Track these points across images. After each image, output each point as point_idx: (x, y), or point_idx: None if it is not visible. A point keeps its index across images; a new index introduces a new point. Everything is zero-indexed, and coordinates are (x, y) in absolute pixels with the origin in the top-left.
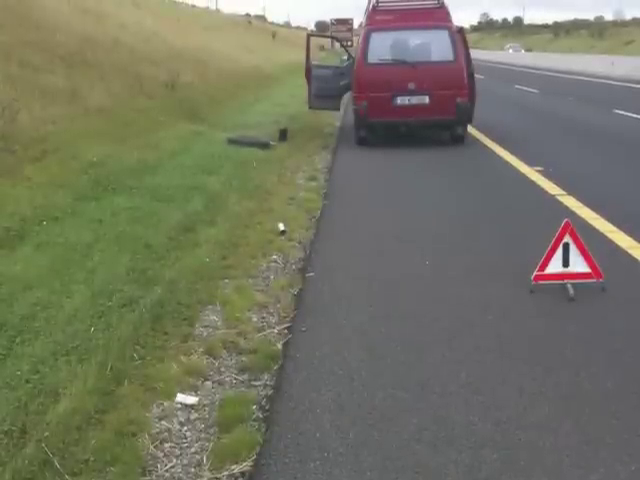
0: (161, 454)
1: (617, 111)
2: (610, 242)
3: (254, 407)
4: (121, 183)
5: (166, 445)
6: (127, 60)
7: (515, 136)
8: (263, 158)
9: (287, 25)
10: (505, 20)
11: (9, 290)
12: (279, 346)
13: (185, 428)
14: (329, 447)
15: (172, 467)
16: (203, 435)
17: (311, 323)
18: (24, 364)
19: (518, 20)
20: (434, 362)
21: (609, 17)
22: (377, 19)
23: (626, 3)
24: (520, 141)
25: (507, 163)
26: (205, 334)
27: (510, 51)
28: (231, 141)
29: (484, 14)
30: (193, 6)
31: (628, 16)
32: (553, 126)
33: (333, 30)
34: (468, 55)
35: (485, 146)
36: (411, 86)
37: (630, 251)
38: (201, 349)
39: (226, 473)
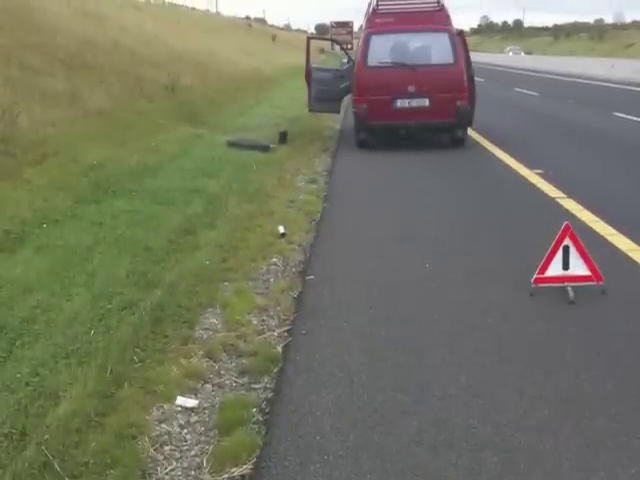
0: (161, 457)
1: (617, 114)
2: (610, 245)
3: (254, 410)
4: (121, 186)
5: (166, 448)
6: (127, 63)
7: (515, 139)
8: (263, 161)
9: (287, 28)
10: (505, 23)
11: (9, 293)
12: (279, 349)
13: (185, 431)
14: (329, 450)
15: (172, 470)
16: (203, 438)
17: (311, 326)
18: (24, 367)
19: (518, 23)
20: (434, 365)
21: (609, 20)
22: (377, 22)
23: (626, 6)
24: (520, 144)
25: (507, 166)
26: (205, 337)
27: (510, 54)
28: (231, 144)
29: (484, 17)
30: (193, 9)
31: (628, 19)
32: (553, 129)
33: (333, 33)
34: (468, 58)
35: (485, 149)
36: (411, 89)
37: (630, 254)
38: (201, 352)
39: (226, 476)
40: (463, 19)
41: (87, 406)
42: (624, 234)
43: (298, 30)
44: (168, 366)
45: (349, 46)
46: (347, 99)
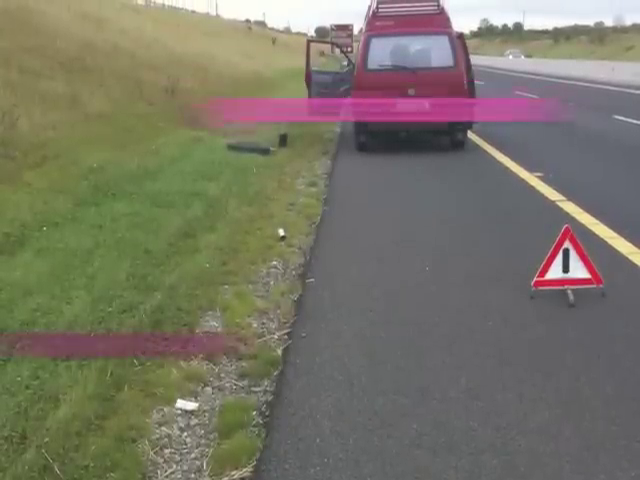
0: (161, 460)
1: (617, 117)
2: (610, 248)
3: (254, 413)
4: (121, 189)
5: (166, 451)
6: (127, 66)
7: (515, 142)
8: (263, 164)
9: (287, 31)
10: (505, 26)
11: (9, 296)
12: (279, 352)
13: (185, 434)
14: (329, 453)
15: (172, 473)
16: (203, 441)
17: (311, 329)
18: (24, 370)
19: (518, 26)
20: (434, 368)
21: (609, 23)
22: (377, 25)
23: (626, 9)
24: (520, 147)
25: (507, 168)
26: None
27: (510, 57)
28: (231, 147)
29: (484, 20)
30: (193, 12)
31: (628, 22)
32: (553, 132)
33: (333, 36)
34: (468, 61)
35: (485, 152)
36: (411, 92)
37: (630, 257)
38: (201, 355)
39: (226, 479)
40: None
41: (87, 409)
42: (624, 237)
43: (298, 33)
44: (168, 369)
45: (349, 49)
46: None
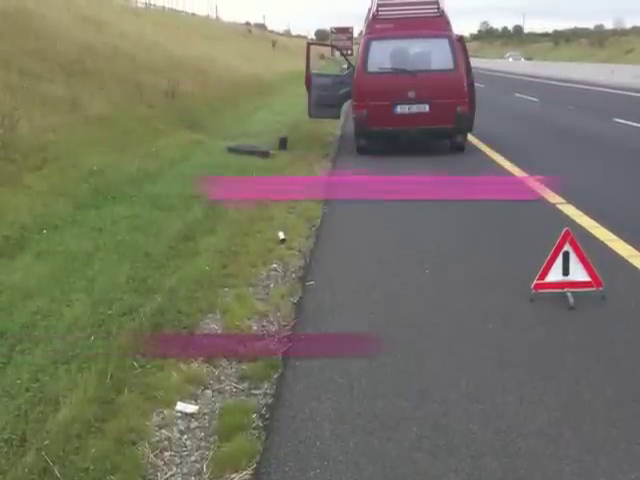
0: (161, 463)
1: (617, 120)
2: (610, 251)
3: (254, 415)
4: (121, 192)
5: (166, 454)
6: (127, 69)
7: (515, 145)
8: (263, 167)
9: (287, 33)
10: (505, 29)
11: (9, 299)
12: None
13: (185, 437)
14: (329, 456)
15: (172, 476)
16: (203, 444)
17: (311, 331)
18: (24, 372)
19: (518, 29)
20: (434, 370)
21: (609, 26)
22: (377, 28)
23: (626, 12)
24: (520, 150)
25: (507, 172)
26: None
27: (510, 60)
28: (231, 150)
29: (484, 22)
30: (193, 14)
31: (628, 25)
32: (553, 135)
33: (333, 39)
34: (468, 64)
35: (485, 154)
36: (411, 95)
37: (630, 260)
38: (201, 357)
39: None
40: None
41: (87, 412)
42: (624, 240)
43: (298, 36)
44: (168, 372)
45: (349, 52)
46: (347, 105)
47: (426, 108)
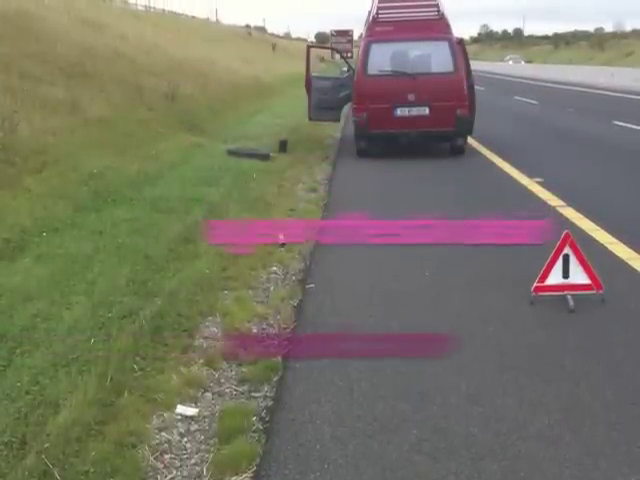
0: (161, 465)
1: (617, 122)
2: (610, 253)
3: (254, 418)
4: (121, 194)
5: (166, 456)
6: (127, 71)
7: (515, 147)
8: (263, 169)
9: (287, 36)
10: (505, 31)
11: (9, 301)
12: (279, 357)
13: (185, 439)
14: (329, 458)
15: (172, 478)
16: (203, 446)
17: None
18: (24, 375)
19: (518, 31)
20: (434, 373)
21: (609, 28)
22: (377, 30)
23: (626, 14)
24: (520, 152)
25: (507, 174)
26: (205, 345)
27: (510, 62)
28: (231, 152)
29: (484, 25)
30: (193, 17)
31: (628, 27)
32: (553, 137)
33: (333, 41)
34: (468, 66)
35: (485, 157)
36: (411, 97)
37: (630, 262)
38: (201, 360)
39: None
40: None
41: (87, 414)
42: (624, 242)
43: (298, 38)
44: (168, 374)
45: (349, 54)
46: (347, 108)
47: (426, 111)
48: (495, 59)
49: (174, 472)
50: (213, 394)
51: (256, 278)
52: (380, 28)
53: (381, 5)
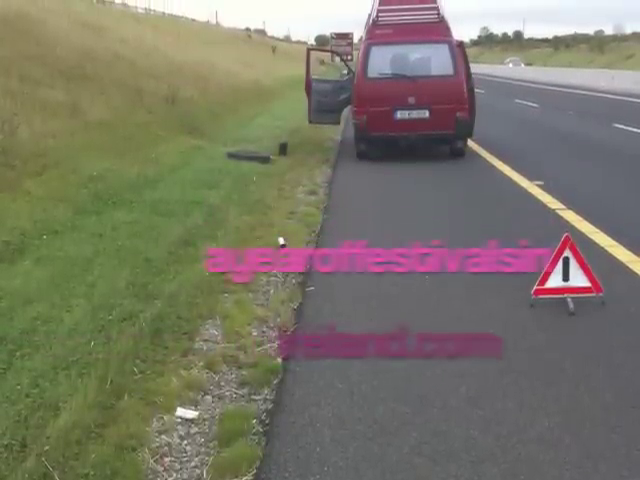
0: (161, 468)
1: (617, 125)
2: (610, 256)
3: (254, 421)
4: (121, 197)
5: (166, 459)
6: (127, 74)
7: (515, 150)
8: (263, 172)
9: (287, 39)
10: (505, 34)
11: (9, 304)
12: (279, 360)
13: (185, 442)
14: (329, 461)
15: None
16: (203, 449)
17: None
18: (24, 378)
19: (518, 34)
20: (434, 376)
21: (609, 31)
22: (377, 33)
23: (626, 17)
24: (520, 155)
25: (507, 177)
26: (205, 348)
27: (510, 65)
28: (231, 155)
29: (484, 28)
30: (193, 20)
31: (628, 30)
32: (553, 140)
33: (333, 44)
34: (468, 69)
35: (485, 160)
36: (411, 100)
37: (630, 265)
38: (201, 363)
39: None
40: (463, 30)
41: (87, 417)
42: (624, 245)
43: (298, 41)
44: (168, 377)
45: (349, 57)
46: (347, 110)
47: (426, 114)
48: (495, 62)
49: (174, 475)
50: (213, 397)
51: (256, 281)
52: (380, 31)
53: (381, 8)
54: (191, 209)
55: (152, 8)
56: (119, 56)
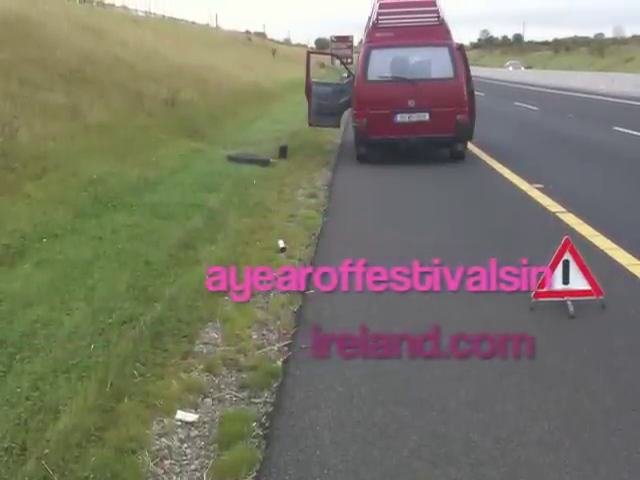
0: (161, 471)
1: (617, 128)
2: (610, 259)
3: (254, 424)
4: (121, 200)
5: (166, 462)
6: (127, 77)
7: (515, 153)
8: (263, 175)
9: (287, 42)
10: (505, 37)
11: (9, 307)
12: (279, 363)
13: (185, 445)
14: (329, 464)
15: None
16: (203, 452)
17: (311, 339)
18: (24, 381)
19: (518, 37)
20: (434, 379)
21: (609, 34)
22: (377, 36)
23: (626, 20)
24: (520, 158)
25: (507, 180)
26: (205, 351)
27: (510, 68)
28: (231, 158)
29: (484, 31)
30: (193, 23)
31: (628, 33)
32: (553, 143)
33: (333, 47)
34: (468, 72)
35: (485, 163)
36: (411, 103)
37: (630, 268)
38: (201, 366)
39: None
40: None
41: (87, 420)
42: (624, 248)
43: (298, 44)
44: (168, 380)
45: (349, 60)
46: (347, 113)
47: (426, 117)
48: (495, 65)
49: (174, 478)
50: (213, 400)
51: None
52: (380, 34)
53: (381, 11)
54: (191, 212)
55: (152, 11)
56: (119, 59)
